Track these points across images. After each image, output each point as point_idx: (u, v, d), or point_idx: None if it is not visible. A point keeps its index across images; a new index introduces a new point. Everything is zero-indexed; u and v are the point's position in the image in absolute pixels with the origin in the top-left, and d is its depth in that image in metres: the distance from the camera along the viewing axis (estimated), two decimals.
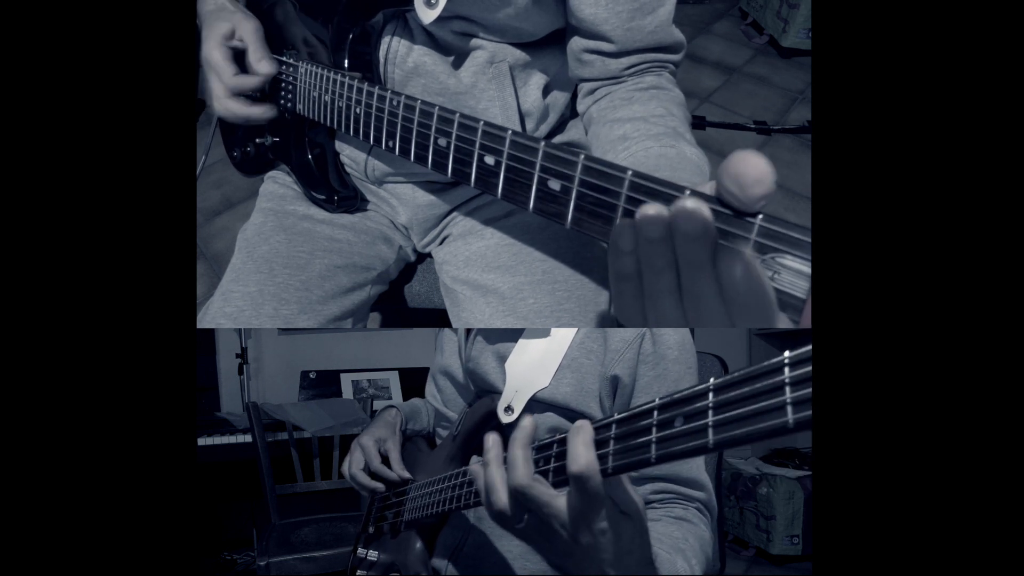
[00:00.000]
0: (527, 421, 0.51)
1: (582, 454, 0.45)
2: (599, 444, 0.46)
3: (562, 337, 0.74)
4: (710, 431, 0.38)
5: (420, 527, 0.80)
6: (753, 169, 0.39)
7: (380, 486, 0.87)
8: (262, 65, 0.82)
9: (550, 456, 0.50)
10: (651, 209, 0.42)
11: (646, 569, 0.52)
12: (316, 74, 0.81)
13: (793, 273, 0.40)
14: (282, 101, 0.89)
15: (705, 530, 0.72)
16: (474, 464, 0.57)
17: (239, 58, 0.84)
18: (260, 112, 0.86)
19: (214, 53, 0.82)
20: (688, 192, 0.44)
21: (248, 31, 0.83)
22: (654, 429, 0.42)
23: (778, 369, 0.35)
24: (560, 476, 0.48)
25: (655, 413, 0.42)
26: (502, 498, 0.51)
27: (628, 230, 0.44)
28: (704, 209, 0.41)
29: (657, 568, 0.54)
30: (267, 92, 0.88)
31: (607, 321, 0.82)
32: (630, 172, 0.47)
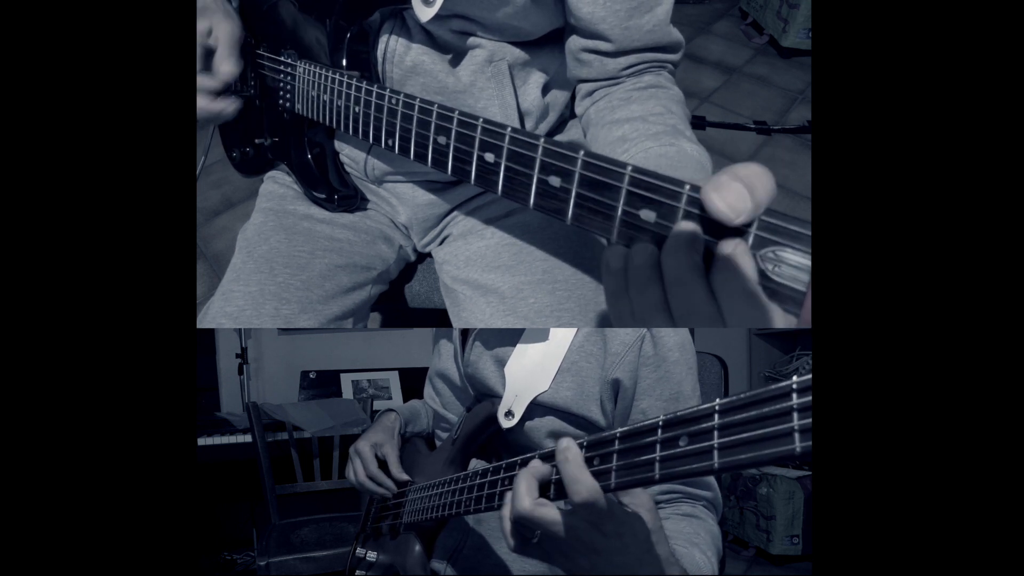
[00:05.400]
0: (536, 463, 0.52)
1: (582, 481, 0.46)
2: (603, 459, 0.46)
3: (561, 340, 0.74)
4: (715, 453, 0.38)
5: (419, 529, 0.80)
6: (713, 210, 0.41)
7: (387, 491, 0.87)
8: (222, 66, 0.82)
9: (551, 468, 0.50)
10: (641, 246, 0.45)
11: (668, 564, 0.52)
12: (314, 73, 0.81)
13: (793, 266, 0.40)
14: (281, 101, 0.89)
15: (714, 525, 0.72)
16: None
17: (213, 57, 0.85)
18: (220, 108, 0.86)
19: None
20: (688, 187, 0.44)
21: (222, 31, 0.82)
22: (658, 447, 0.42)
23: (785, 395, 0.35)
24: (561, 489, 0.49)
25: (659, 430, 0.42)
26: (506, 525, 0.51)
27: (617, 251, 0.46)
28: (690, 227, 0.43)
29: (678, 561, 0.54)
30: (248, 93, 0.88)
31: (607, 321, 0.82)
32: (630, 168, 0.47)
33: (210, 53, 0.84)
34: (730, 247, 0.41)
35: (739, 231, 0.42)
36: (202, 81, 0.83)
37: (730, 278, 0.41)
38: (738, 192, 0.40)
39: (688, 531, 0.68)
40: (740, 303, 0.41)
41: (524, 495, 0.49)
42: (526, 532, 0.51)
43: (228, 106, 0.86)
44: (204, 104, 0.85)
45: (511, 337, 0.77)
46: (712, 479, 0.75)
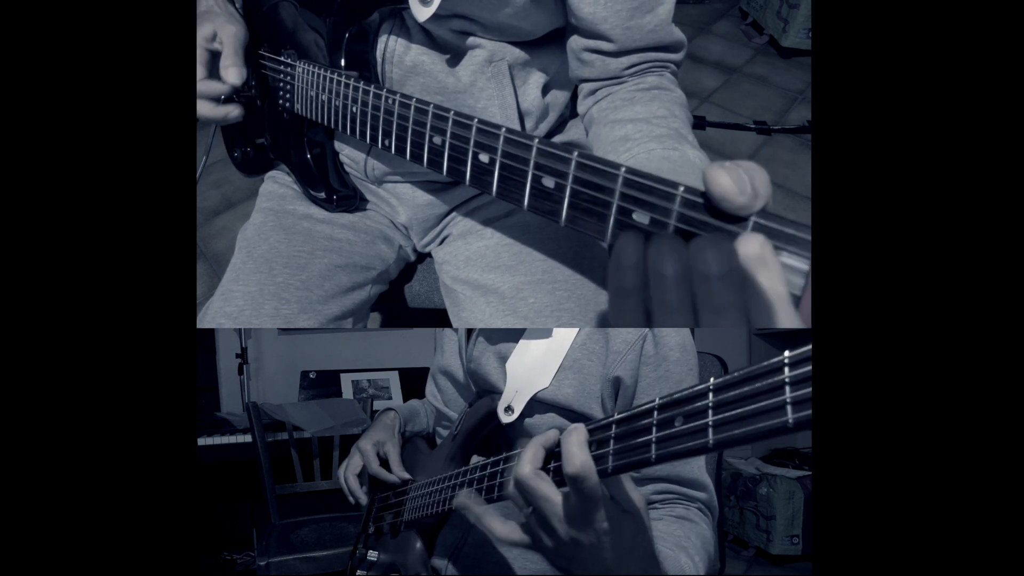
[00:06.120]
0: (552, 432, 0.52)
1: (577, 455, 0.46)
2: (600, 444, 0.46)
3: (563, 338, 0.74)
4: (710, 431, 0.38)
5: (420, 527, 0.80)
6: (715, 187, 0.40)
7: (363, 497, 0.88)
8: (228, 73, 0.83)
9: (551, 455, 0.50)
10: (666, 243, 0.41)
11: (650, 567, 0.52)
12: (313, 73, 0.81)
13: (789, 270, 0.40)
14: (280, 101, 0.89)
15: (707, 529, 0.72)
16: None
17: (218, 61, 0.85)
18: (223, 113, 0.86)
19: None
20: (682, 188, 0.44)
21: (227, 35, 0.83)
22: (654, 429, 0.42)
23: (778, 369, 0.35)
24: (561, 475, 0.49)
25: (655, 413, 0.42)
26: (507, 487, 0.51)
27: (633, 243, 0.43)
28: (729, 246, 0.39)
29: (660, 564, 0.54)
30: (242, 94, 0.89)
31: (607, 321, 0.82)
32: (623, 169, 0.47)
33: (215, 57, 0.84)
34: (755, 244, 0.40)
35: (733, 219, 0.42)
36: (208, 86, 0.84)
37: (758, 276, 0.40)
38: (739, 174, 0.40)
39: (678, 534, 0.67)
40: (766, 300, 0.40)
41: (527, 462, 0.50)
42: (519, 505, 0.51)
43: (232, 111, 0.87)
44: (209, 109, 0.85)
45: (514, 334, 0.77)
46: (708, 481, 0.75)
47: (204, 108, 0.85)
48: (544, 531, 0.50)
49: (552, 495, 0.49)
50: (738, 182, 0.40)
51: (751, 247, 0.39)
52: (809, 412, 0.33)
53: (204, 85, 0.84)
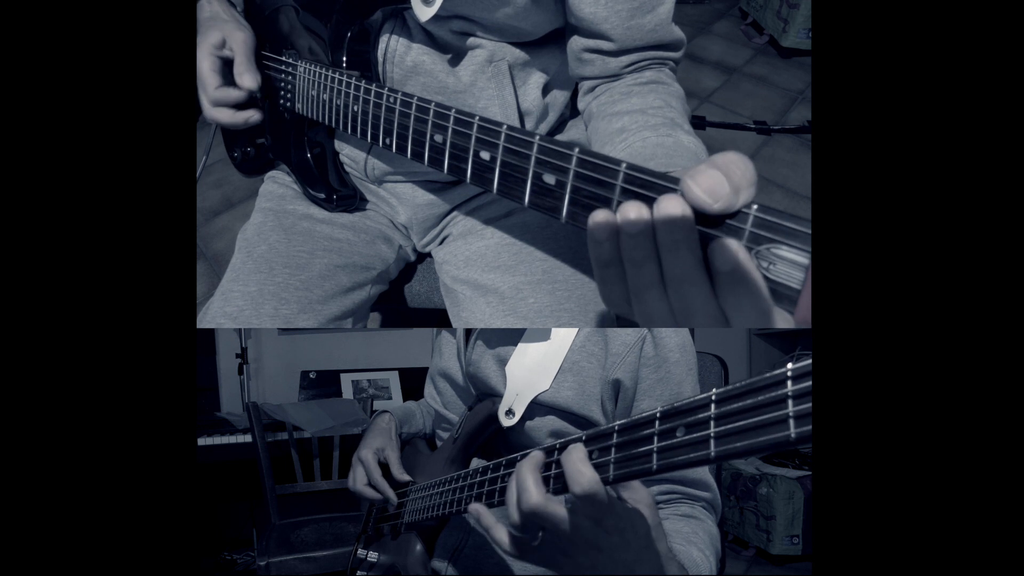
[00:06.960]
0: (537, 453, 0.52)
1: (584, 473, 0.46)
2: (601, 452, 0.46)
3: (562, 339, 0.74)
4: (712, 442, 0.38)
5: (420, 529, 0.80)
6: (691, 201, 0.42)
7: (392, 496, 0.86)
8: (244, 79, 0.85)
9: (550, 463, 0.50)
10: (632, 210, 0.43)
11: (666, 562, 0.52)
12: (315, 73, 0.81)
13: (788, 263, 0.40)
14: (281, 100, 0.89)
15: (712, 526, 0.72)
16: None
17: (229, 67, 0.86)
18: (244, 118, 0.88)
19: (202, 64, 0.84)
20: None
21: (237, 41, 0.84)
22: (655, 438, 0.42)
23: (781, 382, 0.35)
24: (560, 483, 0.49)
25: (656, 422, 0.42)
26: (515, 519, 0.51)
27: (603, 221, 0.45)
28: (682, 202, 0.42)
29: (675, 558, 0.54)
30: (257, 98, 0.89)
31: (607, 321, 0.82)
32: (624, 164, 0.47)
33: (227, 64, 0.85)
34: (732, 246, 0.41)
35: (721, 220, 0.42)
36: (225, 93, 0.85)
37: (733, 276, 0.41)
38: (714, 178, 0.41)
39: (686, 531, 0.68)
40: (744, 301, 0.41)
41: (534, 489, 0.49)
42: (530, 533, 0.51)
43: (252, 115, 0.89)
44: (228, 116, 0.87)
45: (513, 336, 0.77)
46: (711, 480, 0.75)
47: (223, 115, 0.87)
48: (561, 549, 0.50)
49: (564, 515, 0.48)
50: (711, 191, 0.41)
51: (728, 259, 0.41)
52: (811, 427, 0.33)
53: (221, 92, 0.85)
